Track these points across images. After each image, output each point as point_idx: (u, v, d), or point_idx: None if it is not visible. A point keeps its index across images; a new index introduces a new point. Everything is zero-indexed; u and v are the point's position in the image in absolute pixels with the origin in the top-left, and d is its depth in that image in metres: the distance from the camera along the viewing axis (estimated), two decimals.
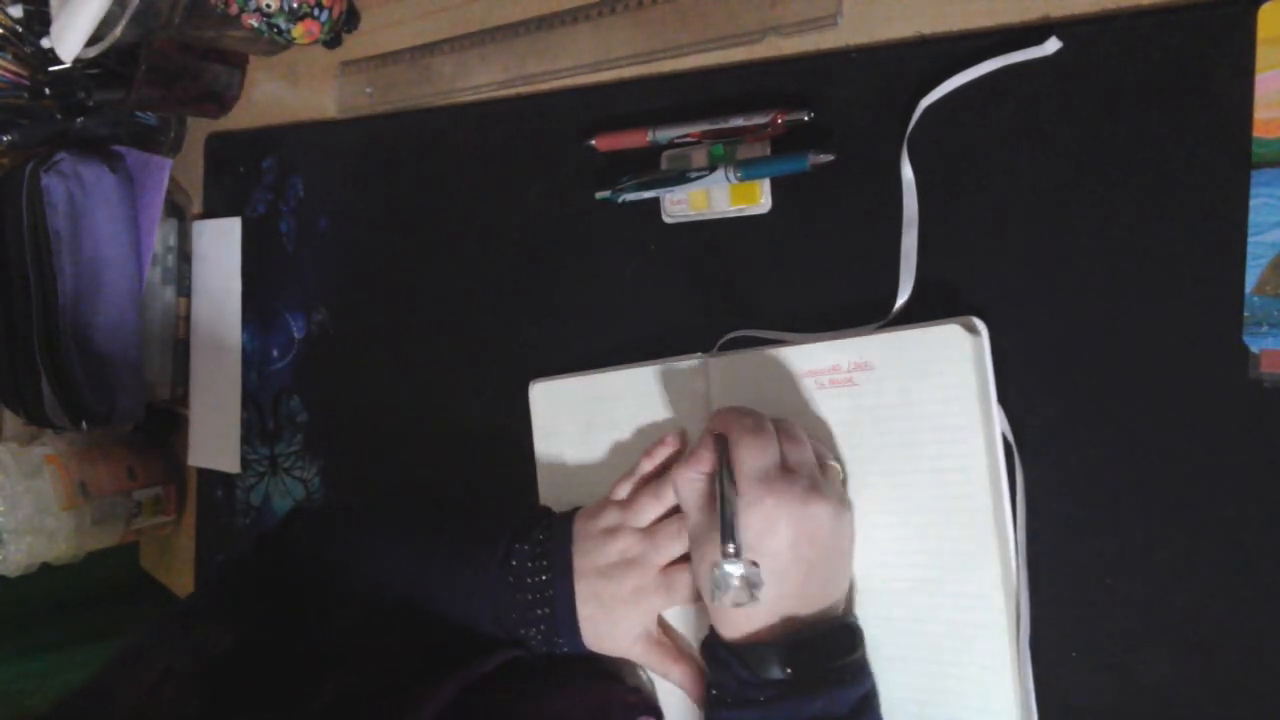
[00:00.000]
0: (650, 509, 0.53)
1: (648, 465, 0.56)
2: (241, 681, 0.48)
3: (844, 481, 0.51)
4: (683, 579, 0.52)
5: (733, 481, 0.47)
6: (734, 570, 0.44)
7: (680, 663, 0.54)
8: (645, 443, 0.60)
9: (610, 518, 0.54)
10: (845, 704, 0.45)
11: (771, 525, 0.45)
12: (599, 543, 0.53)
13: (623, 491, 0.56)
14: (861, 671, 0.47)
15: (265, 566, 0.62)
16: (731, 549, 0.44)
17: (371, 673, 0.49)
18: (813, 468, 0.47)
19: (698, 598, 0.53)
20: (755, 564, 0.45)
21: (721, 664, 0.47)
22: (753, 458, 0.46)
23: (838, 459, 0.52)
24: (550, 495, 0.65)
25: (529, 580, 0.53)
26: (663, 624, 0.55)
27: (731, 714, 0.46)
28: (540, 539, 0.54)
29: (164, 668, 0.49)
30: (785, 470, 0.46)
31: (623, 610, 0.52)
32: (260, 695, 0.47)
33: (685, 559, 0.52)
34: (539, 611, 0.53)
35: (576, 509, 0.57)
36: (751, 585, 0.44)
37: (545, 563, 0.53)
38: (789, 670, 0.44)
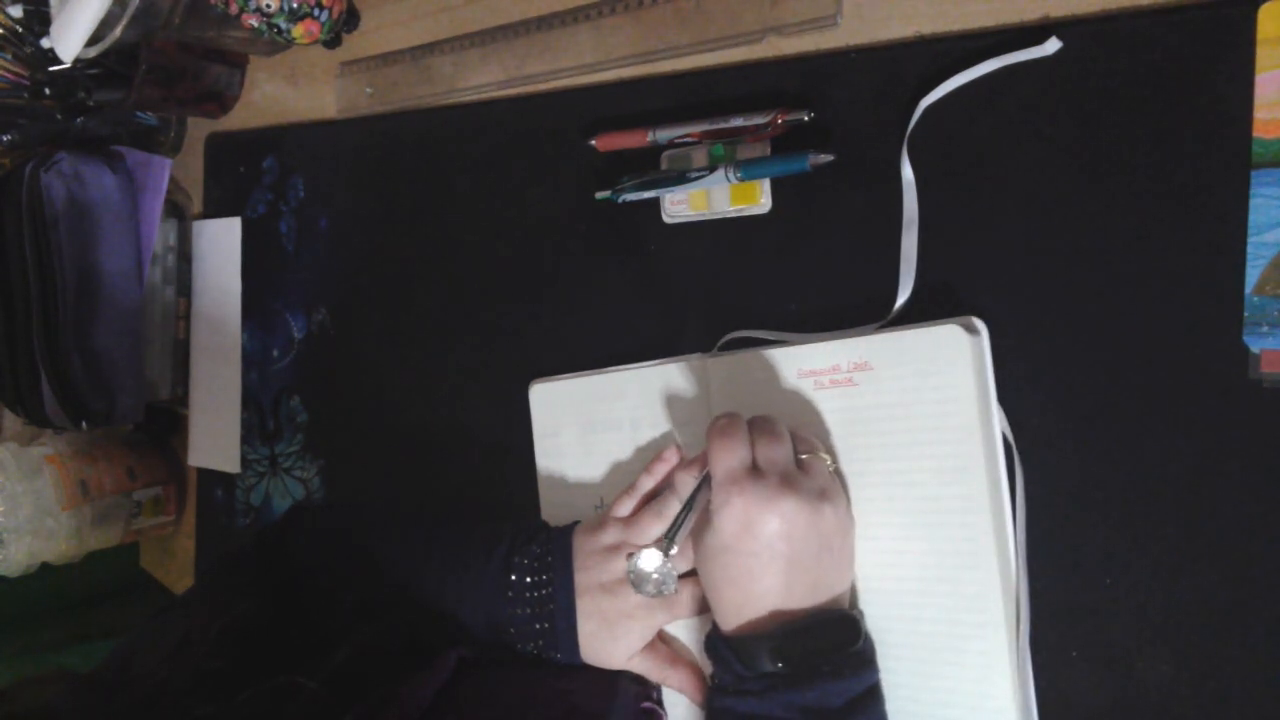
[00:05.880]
0: (653, 527, 0.54)
1: (649, 482, 0.56)
2: (259, 643, 0.49)
3: (834, 471, 0.51)
4: (685, 593, 0.53)
5: (709, 487, 0.48)
6: (646, 564, 0.48)
7: (677, 667, 0.54)
8: (645, 443, 0.60)
9: (612, 535, 0.54)
10: (841, 696, 0.45)
11: (745, 524, 0.46)
12: (602, 560, 0.54)
13: (624, 509, 0.56)
14: (862, 665, 0.47)
15: (264, 565, 0.62)
16: (665, 543, 0.48)
17: (379, 642, 0.50)
18: (785, 464, 0.48)
19: (701, 610, 0.53)
20: (665, 565, 0.48)
21: (719, 657, 0.48)
22: (722, 460, 0.47)
23: (828, 450, 0.52)
24: (550, 495, 0.65)
25: (528, 595, 0.53)
26: (660, 633, 0.55)
27: (729, 701, 0.46)
28: (539, 553, 0.55)
29: (184, 631, 0.49)
30: (754, 470, 0.47)
31: (626, 626, 0.53)
32: (277, 654, 0.48)
33: (687, 574, 0.52)
34: (538, 626, 0.53)
35: (574, 523, 0.57)
36: (642, 580, 0.49)
37: (546, 577, 0.54)
38: (780, 664, 0.45)
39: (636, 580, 0.49)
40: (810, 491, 0.47)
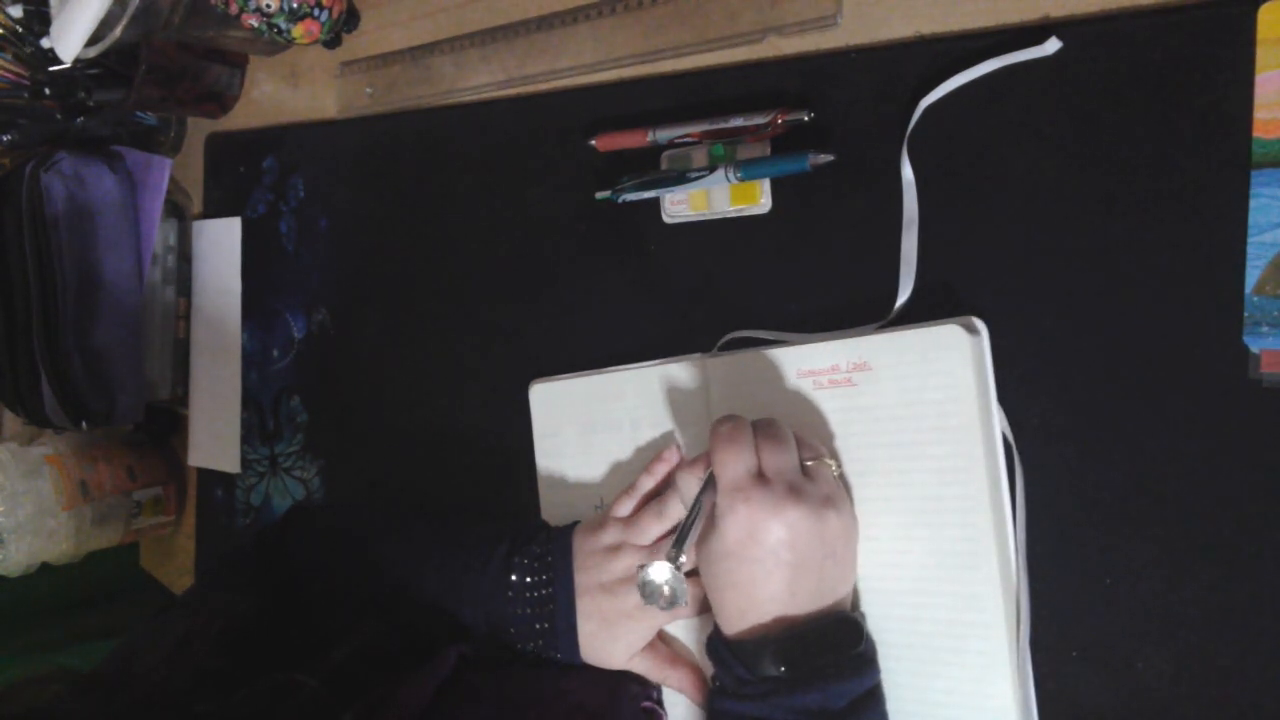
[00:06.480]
0: (653, 527, 0.54)
1: (649, 482, 0.56)
2: (259, 643, 0.49)
3: (839, 476, 0.51)
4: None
5: (714, 491, 0.48)
6: (656, 576, 0.47)
7: (677, 667, 0.54)
8: (645, 443, 0.60)
9: (612, 535, 0.54)
10: (843, 698, 0.45)
11: (750, 532, 0.46)
12: (602, 560, 0.54)
13: (624, 509, 0.56)
14: (864, 666, 0.47)
15: (264, 565, 0.62)
16: (674, 554, 0.47)
17: (379, 641, 0.50)
18: (791, 471, 0.47)
19: (702, 610, 0.53)
20: (676, 577, 0.47)
21: (720, 660, 0.47)
22: (728, 467, 0.47)
23: (832, 454, 0.52)
24: (550, 495, 0.65)
25: (528, 595, 0.53)
26: (659, 632, 0.55)
27: (730, 704, 0.46)
28: (539, 553, 0.55)
29: (184, 631, 0.49)
30: (760, 478, 0.47)
31: (626, 626, 0.53)
32: (276, 653, 0.48)
33: (688, 574, 0.52)
34: (538, 626, 0.53)
35: (574, 523, 0.57)
36: (653, 592, 0.48)
37: (546, 577, 0.54)
38: (783, 668, 0.45)
39: (648, 593, 0.48)
40: (815, 499, 0.47)
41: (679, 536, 0.48)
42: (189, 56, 0.83)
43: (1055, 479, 0.49)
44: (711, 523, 0.47)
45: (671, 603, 0.48)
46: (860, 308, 0.54)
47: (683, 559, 0.47)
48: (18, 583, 0.86)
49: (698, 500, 0.49)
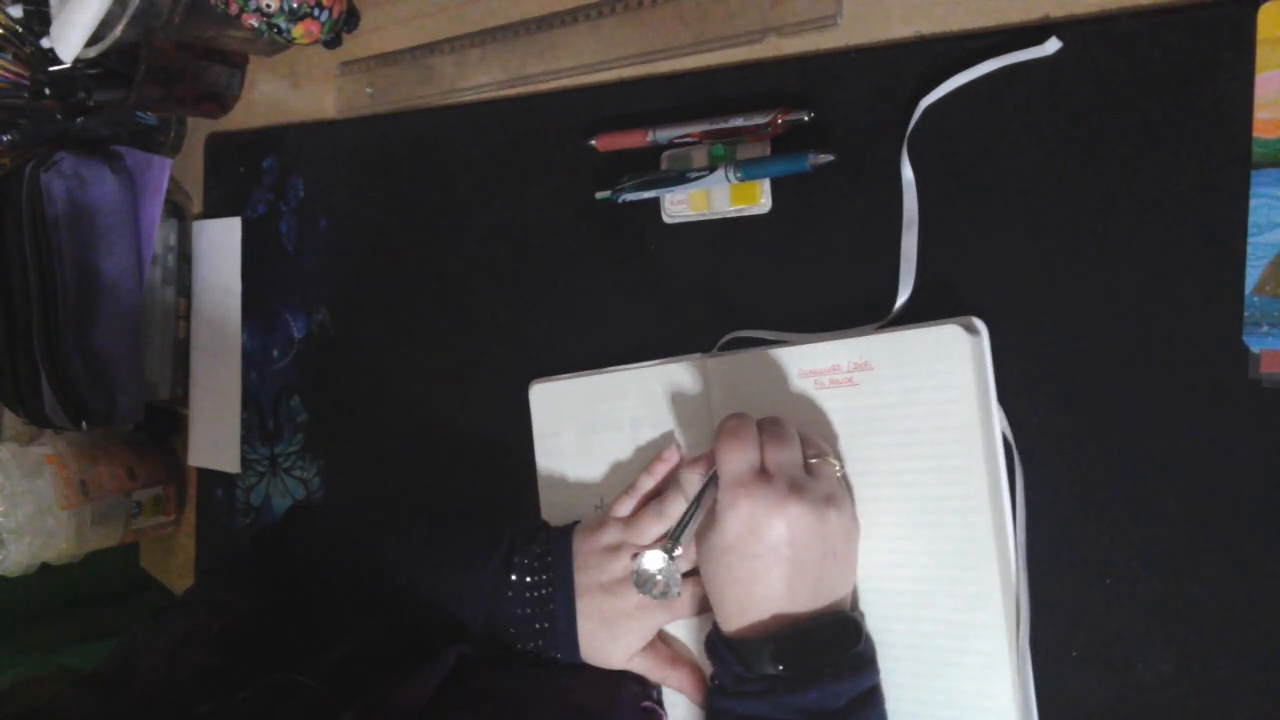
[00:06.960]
0: (653, 527, 0.54)
1: (649, 482, 0.56)
2: (258, 642, 0.49)
3: (841, 476, 0.51)
4: (686, 593, 0.52)
5: (715, 487, 0.48)
6: (650, 564, 0.48)
7: (677, 667, 0.54)
8: (645, 443, 0.60)
9: (612, 535, 0.54)
10: (842, 698, 0.45)
11: (750, 527, 0.46)
12: (602, 560, 0.54)
13: (624, 509, 0.56)
14: (863, 666, 0.47)
15: (264, 564, 0.62)
16: (669, 544, 0.48)
17: (378, 641, 0.50)
18: (794, 468, 0.48)
19: (701, 610, 0.53)
20: (670, 566, 0.49)
21: (719, 658, 0.47)
22: (730, 462, 0.47)
23: (836, 454, 0.52)
24: (549, 495, 0.65)
25: (528, 594, 0.53)
26: (659, 632, 0.55)
27: (729, 702, 0.46)
28: (539, 553, 0.55)
29: (183, 631, 0.49)
30: (763, 474, 0.47)
31: (625, 626, 0.53)
32: (276, 653, 0.48)
33: (688, 574, 0.52)
34: (538, 625, 0.53)
35: (574, 523, 0.57)
36: (646, 581, 0.49)
37: (546, 577, 0.54)
38: (781, 666, 0.45)
39: (641, 581, 0.48)
40: (817, 497, 0.47)
41: (676, 528, 0.48)
42: (189, 56, 0.83)
43: (1055, 479, 0.49)
44: (712, 518, 0.47)
45: (664, 592, 0.48)
46: (860, 308, 0.54)
47: (678, 550, 0.47)
48: (18, 583, 0.86)
49: (699, 493, 0.49)
